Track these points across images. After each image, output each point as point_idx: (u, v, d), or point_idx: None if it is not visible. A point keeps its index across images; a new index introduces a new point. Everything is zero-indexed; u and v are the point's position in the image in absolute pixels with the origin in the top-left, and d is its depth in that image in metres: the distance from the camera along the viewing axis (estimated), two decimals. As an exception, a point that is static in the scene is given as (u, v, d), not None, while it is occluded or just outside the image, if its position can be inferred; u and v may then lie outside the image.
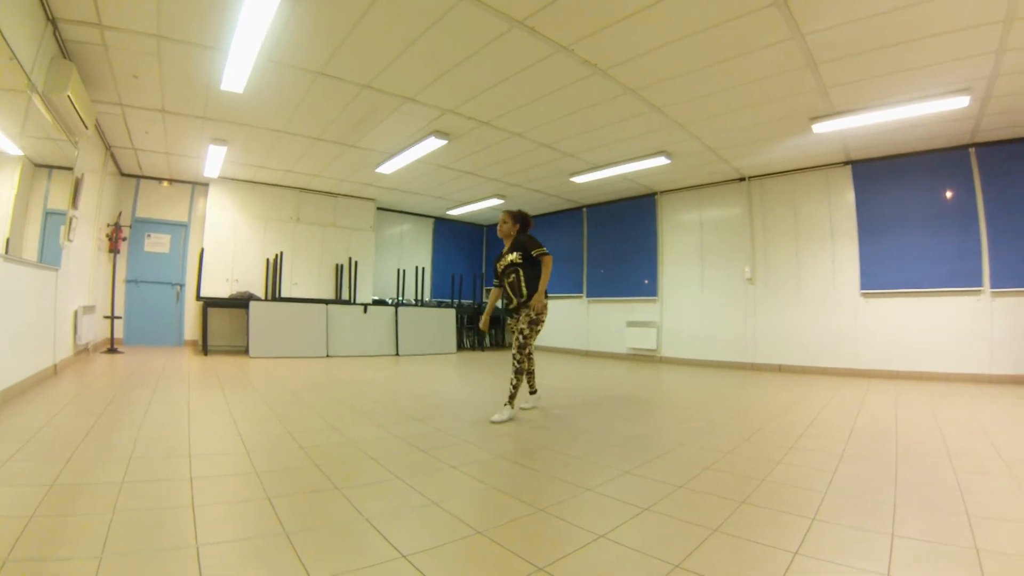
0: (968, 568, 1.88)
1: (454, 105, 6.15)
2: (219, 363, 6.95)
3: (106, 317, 7.22)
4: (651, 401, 5.54)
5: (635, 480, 2.94)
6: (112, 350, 6.88)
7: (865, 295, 7.34)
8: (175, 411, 4.20)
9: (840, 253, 7.62)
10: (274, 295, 8.54)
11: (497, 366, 8.42)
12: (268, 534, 2.06)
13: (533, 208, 11.25)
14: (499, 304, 12.08)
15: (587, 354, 10.54)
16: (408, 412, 4.58)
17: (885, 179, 7.27)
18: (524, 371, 4.36)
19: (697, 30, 4.55)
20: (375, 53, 4.99)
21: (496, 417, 4.20)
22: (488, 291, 4.74)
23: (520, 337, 4.30)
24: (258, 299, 8.09)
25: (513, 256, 4.44)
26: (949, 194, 6.75)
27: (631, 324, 9.79)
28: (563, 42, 4.75)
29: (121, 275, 7.90)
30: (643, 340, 9.62)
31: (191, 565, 1.79)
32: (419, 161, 8.00)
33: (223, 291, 8.40)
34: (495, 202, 10.50)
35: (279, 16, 4.26)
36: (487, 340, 11.53)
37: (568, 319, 11.03)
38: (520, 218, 4.59)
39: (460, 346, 10.64)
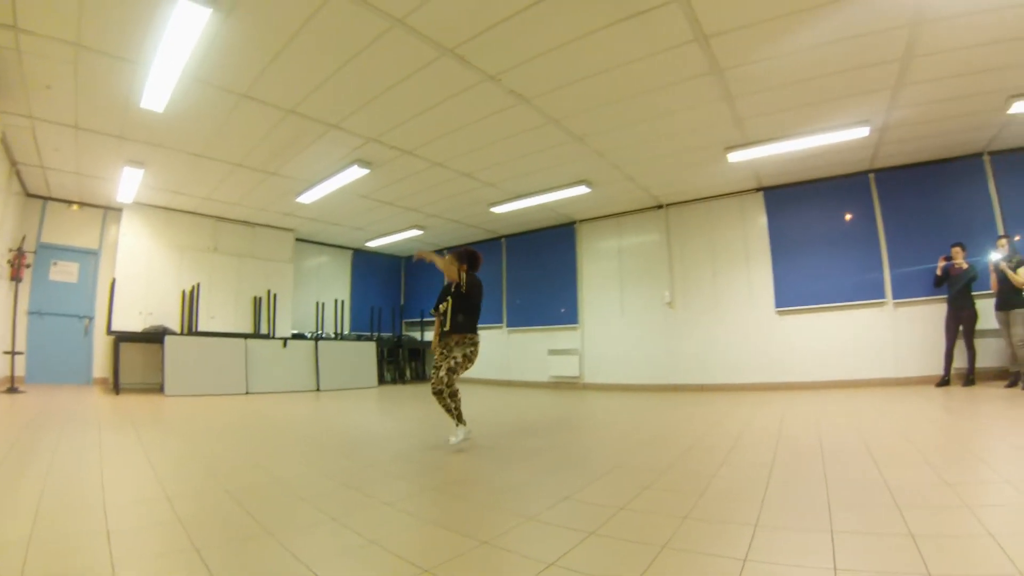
0: (907, 552, 1.99)
1: (378, 133, 6.11)
2: (133, 402, 6.45)
3: (6, 352, 6.51)
4: (581, 427, 5.59)
5: (576, 505, 2.92)
6: (12, 389, 6.21)
7: (780, 312, 7.78)
8: (85, 457, 3.84)
9: (755, 274, 8.05)
10: (190, 329, 8.04)
11: (419, 399, 8.29)
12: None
13: (451, 239, 11.29)
14: (417, 336, 11.96)
15: (509, 384, 10.52)
16: (335, 448, 4.41)
17: (795, 204, 7.79)
18: (456, 392, 4.44)
19: (621, 63, 4.75)
20: (302, 77, 4.89)
21: (453, 439, 4.28)
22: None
23: (452, 363, 4.39)
24: (173, 333, 7.61)
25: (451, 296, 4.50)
26: (852, 216, 7.33)
27: (553, 352, 9.86)
28: (490, 71, 4.84)
29: (23, 306, 7.17)
30: (565, 368, 9.70)
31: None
32: (340, 190, 7.85)
33: (136, 324, 7.82)
34: (414, 233, 10.47)
35: (206, 33, 4.08)
36: (408, 373, 11.34)
37: (488, 350, 10.87)
38: (465, 257, 4.51)
39: (381, 379, 10.43)
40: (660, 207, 8.99)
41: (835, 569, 1.92)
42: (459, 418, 4.40)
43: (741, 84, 5.12)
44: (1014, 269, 5.59)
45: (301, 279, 10.56)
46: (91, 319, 7.79)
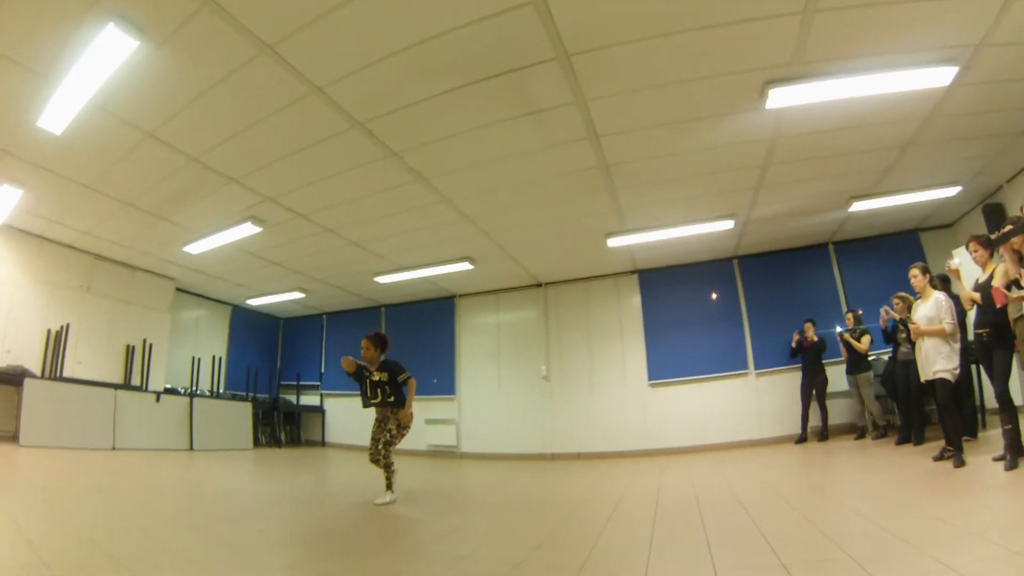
0: None
1: (277, 194, 6.13)
2: None
3: None
4: (463, 495, 5.73)
5: (475, 563, 3.00)
6: None
7: (652, 385, 8.44)
8: None
9: (629, 349, 8.70)
10: (54, 374, 7.22)
11: (297, 462, 8.06)
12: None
13: (332, 304, 11.23)
14: (293, 399, 11.51)
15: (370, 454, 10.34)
16: (221, 516, 4.15)
17: (667, 284, 8.65)
18: (392, 463, 4.86)
19: (518, 153, 5.26)
20: (213, 127, 4.86)
21: (379, 500, 4.63)
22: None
23: (388, 436, 4.86)
24: (35, 376, 6.80)
25: (381, 375, 4.91)
26: (718, 296, 8.27)
27: (430, 422, 9.84)
28: (395, 147, 5.13)
29: None
30: (442, 437, 9.74)
31: None
32: (229, 245, 7.61)
33: None
34: (296, 295, 10.32)
35: (127, 63, 3.89)
36: (283, 437, 10.88)
37: (364, 418, 10.68)
38: (380, 342, 5.03)
39: (256, 442, 9.91)
40: (539, 285, 9.50)
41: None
42: (389, 486, 4.77)
43: (625, 178, 5.82)
44: (858, 339, 6.56)
45: (177, 331, 9.86)
46: None
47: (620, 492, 5.12)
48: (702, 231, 7.14)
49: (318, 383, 11.64)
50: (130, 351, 8.50)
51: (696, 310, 8.41)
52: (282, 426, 10.93)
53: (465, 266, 8.22)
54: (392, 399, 4.94)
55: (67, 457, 6.13)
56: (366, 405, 5.17)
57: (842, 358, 6.94)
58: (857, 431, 6.75)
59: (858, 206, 6.65)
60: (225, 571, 2.76)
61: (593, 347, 8.91)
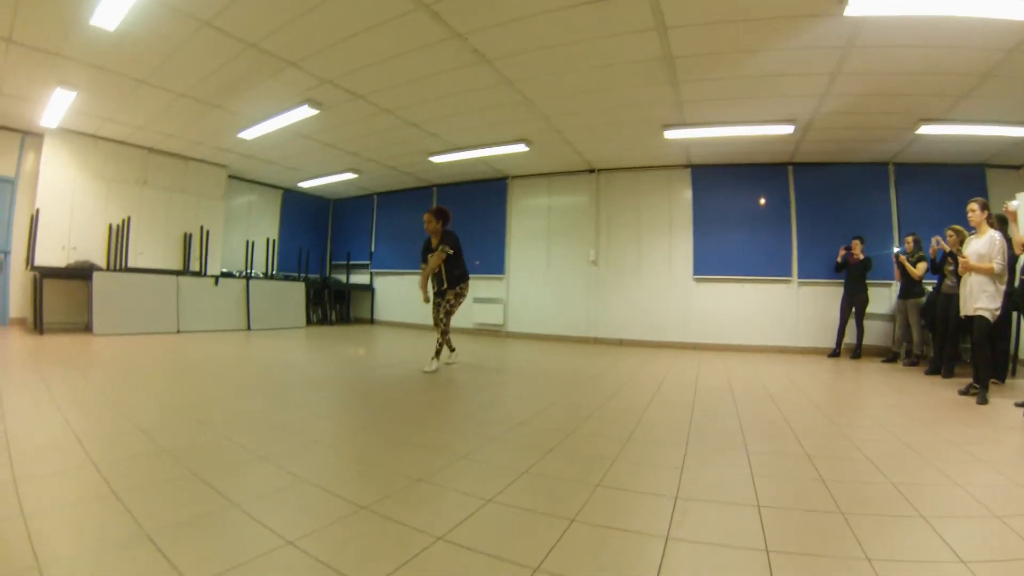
0: (804, 466, 2.68)
1: (335, 76, 6.17)
2: (61, 343, 6.22)
3: None
4: (511, 369, 6.22)
5: (530, 430, 3.45)
6: None
7: (697, 279, 8.62)
8: (35, 393, 3.74)
9: (676, 242, 8.83)
10: (119, 265, 7.78)
11: (348, 339, 8.60)
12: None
13: (383, 184, 11.40)
14: (343, 278, 12.10)
15: (434, 328, 10.88)
16: (293, 385, 4.69)
17: (719, 182, 8.56)
18: (447, 332, 5.61)
19: (584, 38, 5.14)
20: (272, 12, 4.85)
21: (427, 368, 5.40)
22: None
23: (447, 306, 5.54)
24: (101, 269, 7.35)
25: (441, 255, 5.44)
26: (769, 200, 8.18)
27: (478, 300, 10.31)
28: (460, 29, 5.07)
29: None
30: (490, 315, 10.25)
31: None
32: (284, 129, 7.78)
33: (59, 260, 7.40)
34: (349, 176, 10.52)
35: None
36: (332, 315, 11.57)
37: (417, 297, 11.18)
38: (441, 215, 5.51)
39: (308, 320, 10.64)
40: (592, 171, 9.50)
41: (752, 475, 2.54)
42: (437, 353, 5.52)
43: (688, 72, 5.68)
44: (914, 264, 6.51)
45: (231, 217, 10.34)
46: (6, 254, 7.27)
47: (661, 377, 5.53)
48: (760, 133, 6.99)
49: (368, 262, 12.16)
50: (187, 239, 9.01)
51: (746, 211, 8.38)
52: (332, 304, 11.62)
53: (520, 148, 8.26)
54: (456, 273, 5.54)
55: (138, 342, 6.76)
56: (440, 288, 5.64)
57: (885, 280, 6.94)
58: (888, 355, 6.87)
59: (926, 129, 6.39)
60: (303, 431, 3.25)
61: (641, 237, 9.07)
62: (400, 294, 11.42)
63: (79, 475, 2.33)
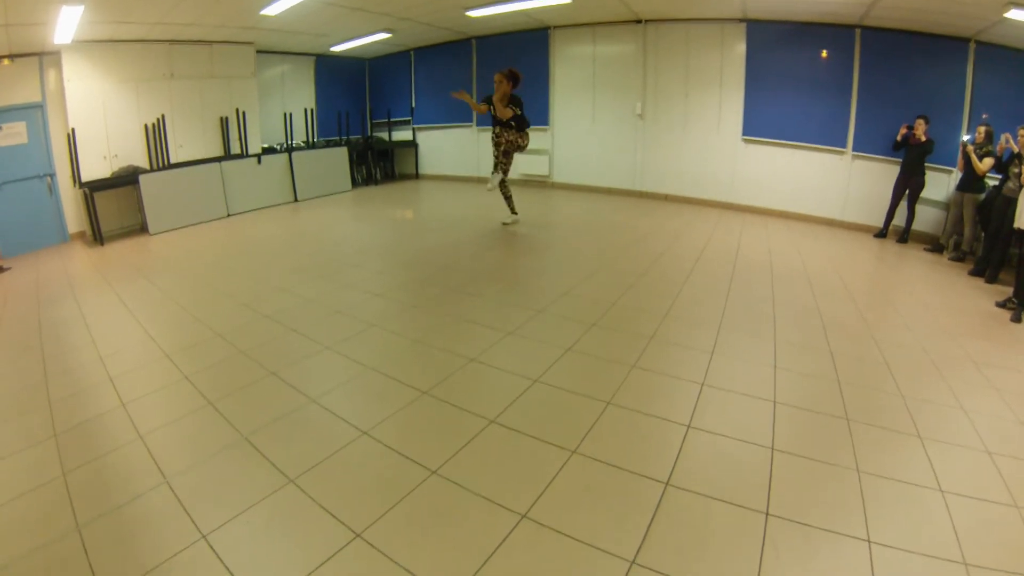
0: (825, 363, 3.00)
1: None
2: (122, 249, 6.61)
3: None
4: (558, 229, 6.56)
5: (576, 299, 3.86)
6: None
7: (746, 140, 8.41)
8: (117, 311, 4.11)
9: (727, 100, 8.50)
10: (162, 163, 8.08)
11: (394, 201, 9.00)
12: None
13: (419, 40, 11.02)
14: (385, 136, 12.26)
15: (480, 180, 11.04)
16: (345, 261, 5.13)
17: (776, 40, 8.04)
18: (509, 192, 6.65)
19: None
20: None
21: (506, 220, 6.47)
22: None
23: (514, 149, 6.40)
24: (145, 171, 7.65)
25: (511, 112, 5.93)
26: (830, 65, 7.72)
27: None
28: None
29: None
30: (535, 167, 10.36)
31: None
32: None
33: (103, 170, 7.61)
34: (382, 36, 10.22)
35: None
36: (378, 174, 11.78)
37: (460, 149, 11.45)
38: (513, 78, 5.89)
39: (354, 183, 10.94)
40: (639, 22, 9.02)
41: (775, 367, 2.85)
42: (510, 204, 6.58)
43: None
44: (980, 158, 6.19)
45: (265, 92, 10.33)
46: (52, 176, 7.52)
47: (703, 243, 5.72)
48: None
49: (409, 118, 12.13)
50: (224, 123, 9.14)
51: (803, 74, 7.91)
52: (376, 164, 11.82)
53: (564, -1, 7.82)
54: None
55: (192, 234, 7.21)
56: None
57: (945, 167, 6.63)
58: (935, 245, 6.75)
59: (1014, 14, 5.71)
60: (360, 315, 3.64)
61: (690, 92, 8.76)
62: (443, 148, 11.55)
63: (178, 390, 2.81)
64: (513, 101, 5.94)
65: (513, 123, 6.04)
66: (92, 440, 2.38)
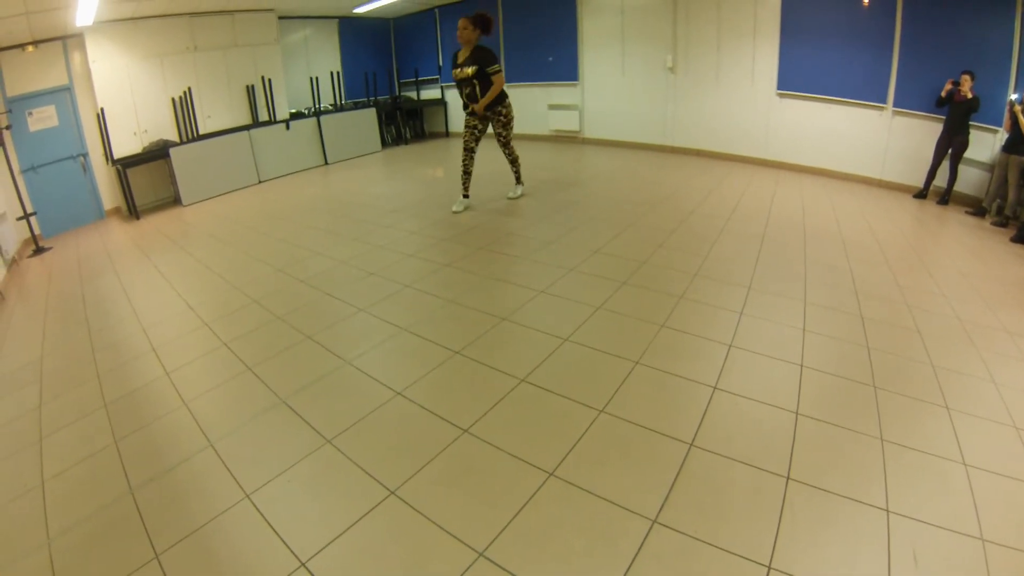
0: (855, 328, 2.98)
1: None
2: (157, 221, 6.81)
3: (20, 218, 6.56)
4: (592, 183, 6.56)
5: (606, 258, 3.89)
6: (39, 250, 6.27)
7: (780, 94, 8.15)
8: (157, 283, 4.26)
9: (760, 52, 8.23)
10: (190, 135, 8.25)
11: (424, 160, 9.08)
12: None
13: None
14: (413, 95, 12.31)
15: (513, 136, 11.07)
16: (377, 222, 5.22)
17: (813, -10, 7.74)
18: (517, 159, 5.60)
19: None
20: None
21: (511, 194, 5.74)
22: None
23: (502, 139, 5.34)
24: (175, 144, 7.82)
25: (470, 71, 4.86)
26: (871, 14, 7.40)
27: (553, 107, 10.33)
28: None
29: (16, 167, 7.06)
30: (566, 122, 10.34)
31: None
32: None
33: (134, 146, 7.82)
34: None
35: None
36: (407, 133, 11.86)
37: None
38: (481, 22, 4.83)
39: (384, 143, 11.06)
40: None
41: (804, 330, 2.86)
42: (518, 179, 5.76)
43: None
44: None
45: (290, 57, 10.41)
46: (85, 155, 7.72)
47: (735, 200, 5.65)
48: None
49: (437, 76, 12.15)
50: (251, 91, 9.25)
51: (842, 26, 7.60)
52: (406, 123, 11.93)
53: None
54: (480, 98, 4.97)
55: (225, 203, 7.38)
56: (467, 111, 5.24)
57: (991, 126, 6.34)
58: (977, 208, 6.52)
59: None
60: (394, 276, 3.76)
61: (722, 43, 8.50)
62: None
63: (218, 357, 2.98)
64: (480, 56, 4.81)
65: (477, 81, 4.87)
66: (140, 408, 2.56)
